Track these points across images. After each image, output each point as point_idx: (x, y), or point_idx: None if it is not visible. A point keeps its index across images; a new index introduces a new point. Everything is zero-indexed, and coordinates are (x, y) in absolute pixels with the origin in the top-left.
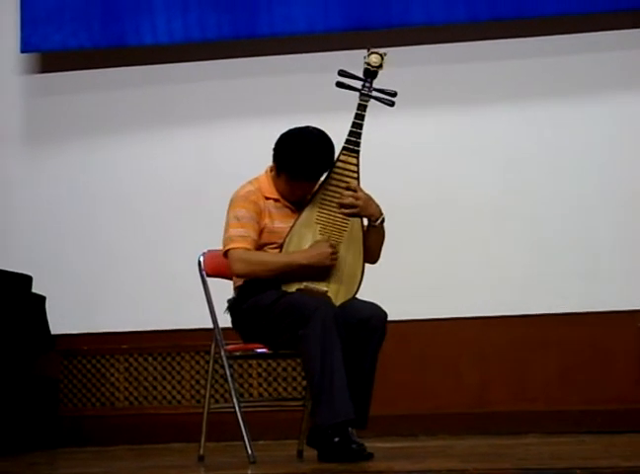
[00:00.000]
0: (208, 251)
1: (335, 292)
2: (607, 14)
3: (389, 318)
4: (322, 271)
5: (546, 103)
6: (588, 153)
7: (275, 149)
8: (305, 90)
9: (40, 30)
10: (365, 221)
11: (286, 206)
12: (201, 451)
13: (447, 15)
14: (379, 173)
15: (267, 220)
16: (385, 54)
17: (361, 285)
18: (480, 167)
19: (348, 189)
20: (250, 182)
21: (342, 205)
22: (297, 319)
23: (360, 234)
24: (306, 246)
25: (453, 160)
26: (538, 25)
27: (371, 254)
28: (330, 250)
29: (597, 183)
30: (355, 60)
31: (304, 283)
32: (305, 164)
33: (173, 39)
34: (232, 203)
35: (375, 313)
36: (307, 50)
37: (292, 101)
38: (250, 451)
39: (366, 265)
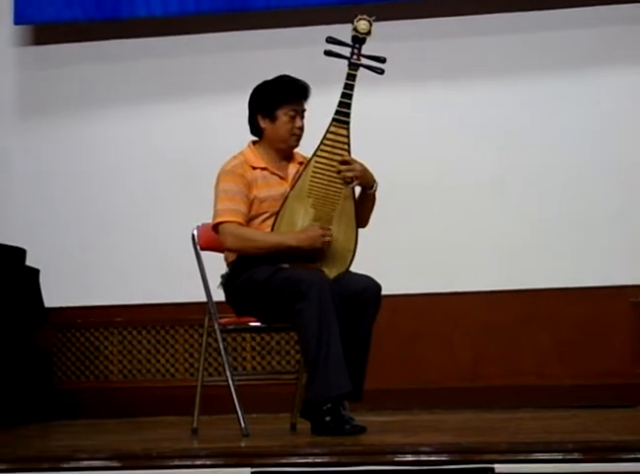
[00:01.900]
0: (202, 224)
1: (328, 266)
2: None
3: (383, 293)
4: (313, 252)
5: (542, 77)
6: (583, 128)
7: (254, 101)
8: (300, 63)
9: (34, 2)
10: (358, 190)
11: (274, 174)
12: (195, 424)
13: None
14: (376, 151)
15: (255, 192)
16: (374, 19)
17: (355, 259)
18: (476, 143)
19: (343, 162)
20: (235, 156)
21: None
22: (294, 293)
23: (352, 206)
24: (298, 220)
25: (447, 137)
26: None
27: (363, 220)
28: (321, 232)
29: (589, 159)
30: (349, 34)
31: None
32: (285, 83)
33: (167, 11)
34: (220, 178)
35: (369, 285)
36: (302, 24)
37: (288, 73)
38: (243, 424)
39: (362, 238)
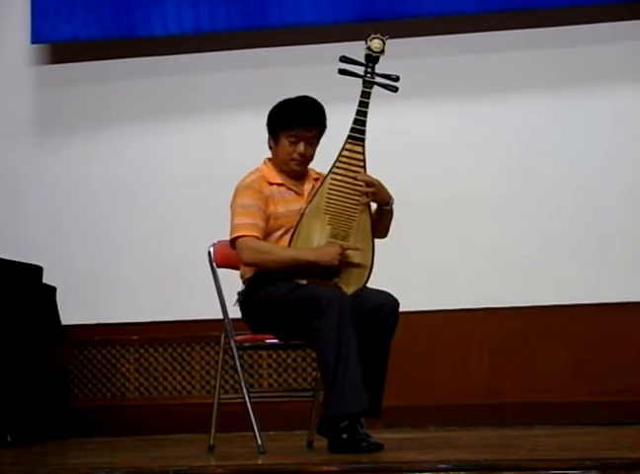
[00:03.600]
0: (218, 242)
1: (345, 283)
2: (619, 5)
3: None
4: (330, 268)
5: (557, 94)
6: (596, 144)
7: (268, 120)
8: (315, 81)
9: (51, 21)
10: (374, 205)
11: (290, 189)
12: (212, 442)
13: (457, 5)
14: (389, 166)
15: (272, 207)
16: (387, 38)
17: (371, 276)
18: (487, 159)
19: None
20: (252, 172)
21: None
22: (313, 310)
23: (369, 222)
24: (315, 237)
25: (461, 152)
26: (549, 16)
27: (382, 232)
28: (339, 250)
29: (605, 173)
30: (363, 51)
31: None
32: (292, 107)
33: (183, 29)
34: (237, 193)
35: (387, 301)
36: (316, 41)
37: (302, 91)
38: (260, 442)
39: (376, 255)
